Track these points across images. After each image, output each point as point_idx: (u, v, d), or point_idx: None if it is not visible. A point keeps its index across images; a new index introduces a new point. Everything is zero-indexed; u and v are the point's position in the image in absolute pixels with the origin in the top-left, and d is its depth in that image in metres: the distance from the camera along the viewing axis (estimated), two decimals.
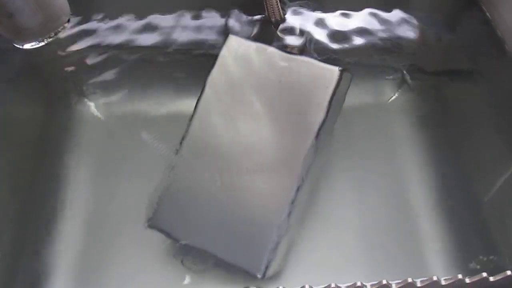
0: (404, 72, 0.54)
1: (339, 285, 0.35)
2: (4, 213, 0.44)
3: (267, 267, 0.39)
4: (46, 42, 0.44)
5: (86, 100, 0.52)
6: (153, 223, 0.40)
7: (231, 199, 0.40)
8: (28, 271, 0.42)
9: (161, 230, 0.40)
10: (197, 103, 0.42)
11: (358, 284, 0.34)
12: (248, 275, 0.39)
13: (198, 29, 0.56)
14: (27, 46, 0.43)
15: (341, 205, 0.44)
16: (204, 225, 0.40)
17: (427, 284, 0.35)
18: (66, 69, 0.54)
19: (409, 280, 0.35)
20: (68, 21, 0.45)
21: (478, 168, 0.46)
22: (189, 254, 0.41)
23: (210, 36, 0.56)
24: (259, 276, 0.39)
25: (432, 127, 0.50)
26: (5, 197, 0.45)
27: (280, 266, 0.41)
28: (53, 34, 0.44)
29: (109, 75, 0.54)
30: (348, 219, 0.44)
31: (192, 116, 0.42)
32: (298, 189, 0.40)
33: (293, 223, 0.41)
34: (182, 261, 0.41)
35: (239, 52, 0.43)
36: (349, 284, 0.35)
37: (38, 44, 0.44)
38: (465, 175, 0.46)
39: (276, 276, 0.40)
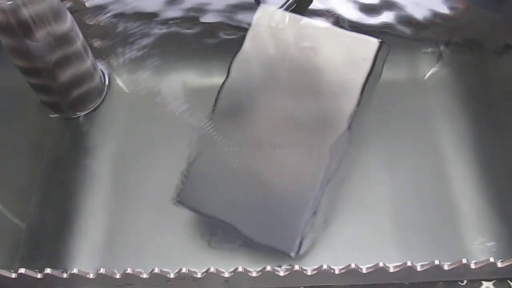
0: (443, 45, 0.51)
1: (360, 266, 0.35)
2: (28, 186, 0.45)
3: (300, 246, 0.38)
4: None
5: (113, 73, 0.52)
6: (181, 199, 0.40)
7: (262, 175, 0.39)
8: (52, 243, 0.42)
9: (189, 207, 0.40)
10: (227, 75, 0.41)
11: (381, 265, 0.34)
12: (279, 254, 0.38)
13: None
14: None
15: (374, 185, 0.43)
16: (233, 202, 0.39)
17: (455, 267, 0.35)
18: (91, 42, 0.54)
19: (436, 262, 0.34)
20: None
21: None
22: (217, 233, 0.40)
23: (241, 6, 0.55)
24: (292, 255, 0.38)
25: (472, 104, 0.48)
26: (29, 170, 0.46)
27: (310, 246, 0.40)
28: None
29: (135, 48, 0.53)
30: (380, 200, 0.42)
31: (221, 89, 0.41)
32: (331, 166, 0.38)
33: (326, 201, 0.39)
34: (209, 242, 0.41)
35: (271, 23, 0.42)
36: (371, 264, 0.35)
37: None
38: (508, 156, 0.44)
39: (306, 255, 0.39)
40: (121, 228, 0.42)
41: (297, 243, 0.38)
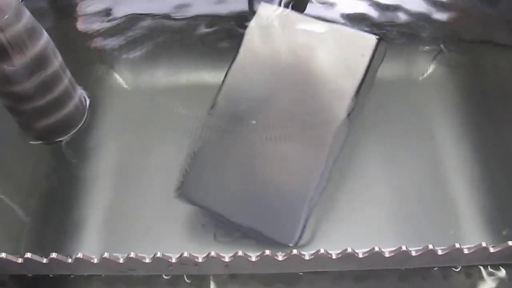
0: (440, 44, 0.52)
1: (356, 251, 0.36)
2: (32, 179, 0.46)
3: (299, 238, 0.39)
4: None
5: (112, 70, 0.53)
6: (181, 193, 0.40)
7: (262, 167, 0.40)
8: (55, 233, 0.42)
9: (189, 200, 0.40)
10: (228, 70, 0.42)
11: (430, 247, 0.35)
12: (279, 246, 0.39)
13: None
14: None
15: (372, 180, 0.44)
16: (233, 194, 0.40)
17: (448, 252, 0.35)
18: (91, 39, 0.55)
19: (430, 247, 0.35)
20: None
21: None
22: (218, 226, 0.41)
23: (240, 3, 0.57)
24: (291, 245, 0.39)
25: (468, 102, 0.49)
26: (32, 164, 0.47)
27: (309, 238, 0.40)
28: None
29: (135, 44, 0.55)
30: (379, 195, 0.43)
31: (223, 83, 0.42)
32: (329, 159, 0.39)
33: (325, 193, 0.40)
34: (214, 235, 0.41)
35: (272, 19, 0.43)
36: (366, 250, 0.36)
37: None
38: (503, 150, 0.45)
39: (305, 247, 0.40)
40: (123, 220, 0.43)
41: (296, 235, 0.39)
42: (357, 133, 0.44)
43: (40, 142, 0.48)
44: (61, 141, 0.48)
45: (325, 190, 0.40)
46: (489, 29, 0.55)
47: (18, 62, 0.40)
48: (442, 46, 0.52)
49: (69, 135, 0.48)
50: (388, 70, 0.49)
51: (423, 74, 0.51)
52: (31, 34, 0.40)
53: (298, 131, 0.40)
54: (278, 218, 0.39)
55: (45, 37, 0.42)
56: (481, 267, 0.38)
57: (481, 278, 0.38)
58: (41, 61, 0.42)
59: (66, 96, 0.46)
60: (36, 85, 0.42)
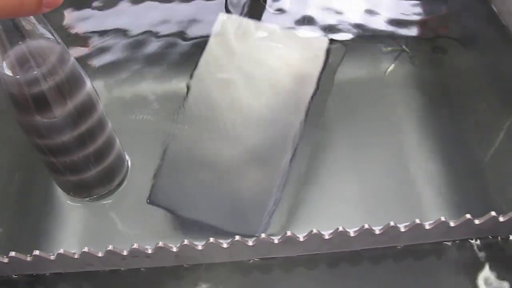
0: (402, 43, 0.55)
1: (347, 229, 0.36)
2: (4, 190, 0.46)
3: (264, 229, 0.40)
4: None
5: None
6: (152, 199, 0.41)
7: (227, 169, 0.41)
8: (27, 246, 0.41)
9: (160, 205, 0.41)
10: (190, 78, 0.43)
11: (366, 227, 0.35)
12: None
13: (191, 10, 0.59)
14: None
15: (341, 177, 0.44)
16: (202, 197, 0.41)
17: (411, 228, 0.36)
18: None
19: (391, 224, 0.36)
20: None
21: (478, 135, 0.47)
22: (189, 228, 0.41)
23: (203, 17, 0.59)
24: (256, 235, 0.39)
25: (430, 96, 0.50)
26: (6, 175, 0.47)
27: (278, 230, 0.41)
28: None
29: (108, 57, 0.56)
30: (348, 191, 0.44)
31: (188, 90, 0.43)
32: (290, 160, 0.40)
33: (291, 187, 0.42)
34: (182, 234, 0.41)
35: (231, 28, 0.45)
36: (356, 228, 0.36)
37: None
38: (465, 143, 0.46)
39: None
40: (97, 224, 0.43)
41: (261, 227, 0.39)
42: (322, 132, 0.46)
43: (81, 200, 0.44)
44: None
45: (292, 186, 0.41)
46: (445, 26, 0.57)
47: (60, 113, 0.35)
48: (402, 46, 0.54)
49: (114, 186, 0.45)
50: (351, 70, 0.51)
51: (385, 74, 0.52)
52: (75, 82, 0.36)
53: (261, 130, 0.41)
54: (244, 214, 0.40)
55: (88, 82, 0.38)
56: (447, 243, 0.38)
57: (448, 254, 0.38)
58: (85, 109, 0.37)
59: (109, 144, 0.41)
60: (79, 136, 0.37)
